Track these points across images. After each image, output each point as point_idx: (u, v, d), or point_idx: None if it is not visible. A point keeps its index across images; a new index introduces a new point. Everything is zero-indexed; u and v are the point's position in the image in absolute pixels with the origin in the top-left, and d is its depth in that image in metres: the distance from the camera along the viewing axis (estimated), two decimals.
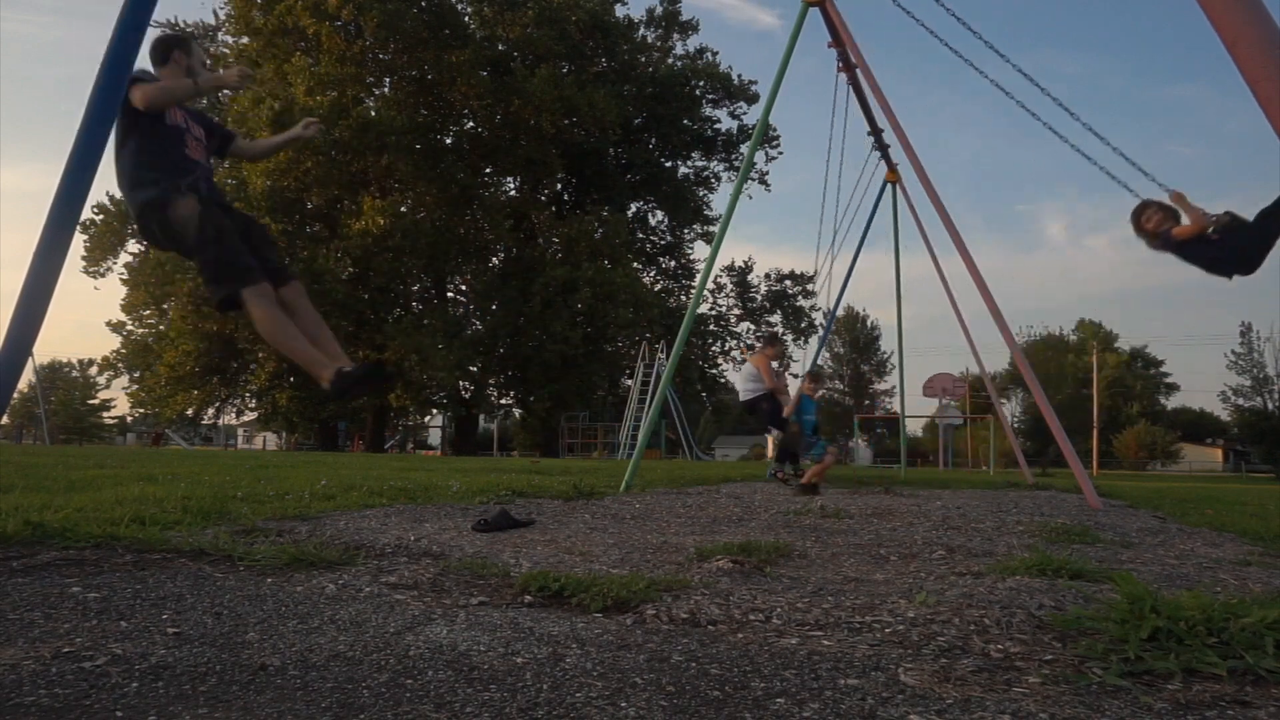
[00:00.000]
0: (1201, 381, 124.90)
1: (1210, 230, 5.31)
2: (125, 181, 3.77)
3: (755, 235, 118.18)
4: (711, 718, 1.50)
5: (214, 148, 4.10)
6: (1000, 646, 1.99)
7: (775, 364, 10.04)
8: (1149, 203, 5.61)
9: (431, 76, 34.32)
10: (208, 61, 4.10)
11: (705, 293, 28.90)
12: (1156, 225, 5.48)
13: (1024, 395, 58.06)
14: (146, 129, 3.68)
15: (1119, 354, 67.74)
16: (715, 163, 43.35)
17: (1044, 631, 2.14)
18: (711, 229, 40.93)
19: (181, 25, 37.53)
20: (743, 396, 9.63)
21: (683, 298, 42.25)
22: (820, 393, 9.61)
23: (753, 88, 40.80)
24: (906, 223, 35.71)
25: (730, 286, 43.68)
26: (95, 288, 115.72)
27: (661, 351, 30.35)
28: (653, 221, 44.23)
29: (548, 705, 1.53)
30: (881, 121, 11.52)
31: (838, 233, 13.74)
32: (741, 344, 42.84)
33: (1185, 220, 5.40)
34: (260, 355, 33.77)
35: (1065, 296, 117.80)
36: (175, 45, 3.96)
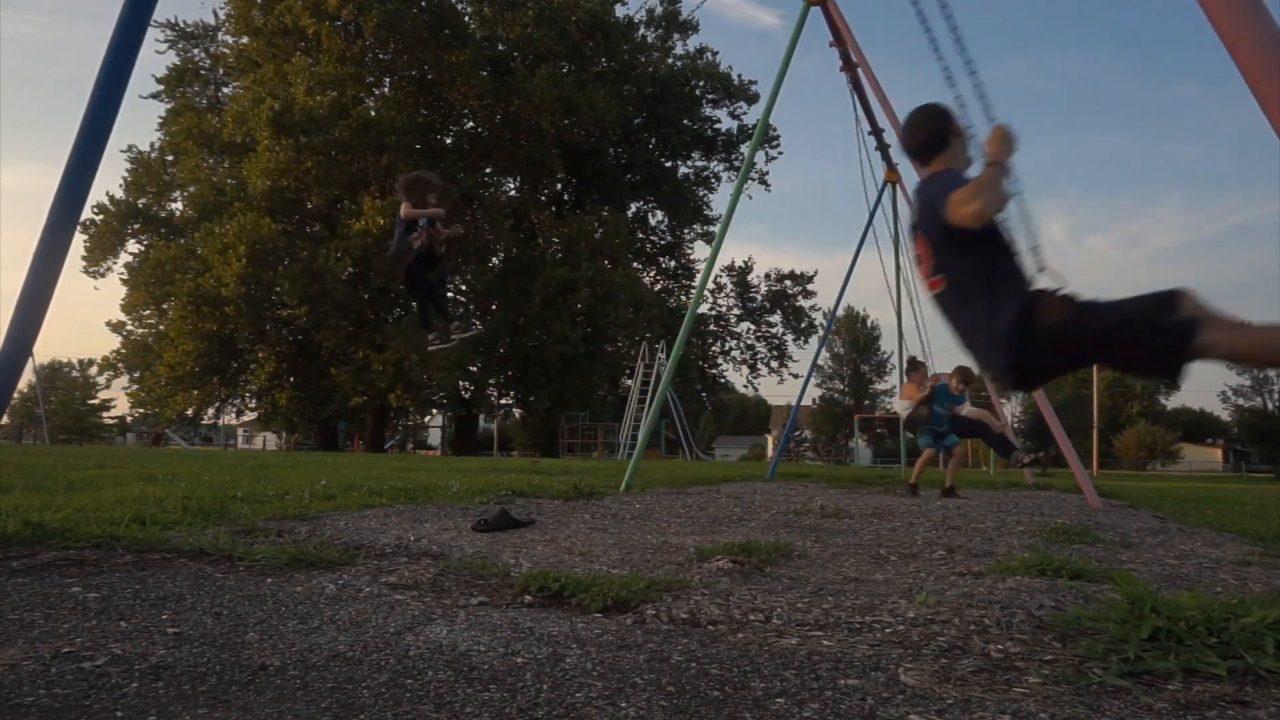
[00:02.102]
0: (1202, 381, 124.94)
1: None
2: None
3: (755, 235, 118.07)
4: (711, 718, 1.50)
5: None
6: (1000, 646, 1.99)
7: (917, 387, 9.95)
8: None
9: (431, 76, 34.30)
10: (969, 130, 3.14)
11: (705, 293, 28.89)
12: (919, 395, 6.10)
13: (1024, 395, 58.00)
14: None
15: None
16: (715, 163, 43.35)
17: (1044, 631, 2.14)
18: (711, 229, 40.92)
19: (181, 25, 37.57)
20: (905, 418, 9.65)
21: (683, 298, 42.24)
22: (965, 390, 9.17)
23: (753, 88, 40.81)
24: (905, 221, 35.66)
25: (730, 286, 43.69)
26: (95, 288, 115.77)
27: (661, 351, 30.34)
28: (653, 221, 44.24)
29: (548, 705, 1.53)
30: (882, 121, 11.52)
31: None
32: (742, 344, 42.85)
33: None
34: (260, 355, 33.78)
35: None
36: (950, 123, 3.05)
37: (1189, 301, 2.51)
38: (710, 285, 40.42)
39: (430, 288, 6.49)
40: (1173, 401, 71.69)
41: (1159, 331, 2.51)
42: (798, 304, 42.66)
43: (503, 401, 42.96)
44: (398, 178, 6.36)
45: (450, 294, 38.83)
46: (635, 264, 41.02)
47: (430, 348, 6.93)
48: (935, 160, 3.02)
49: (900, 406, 9.65)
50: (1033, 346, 2.65)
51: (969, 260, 2.79)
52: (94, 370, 57.17)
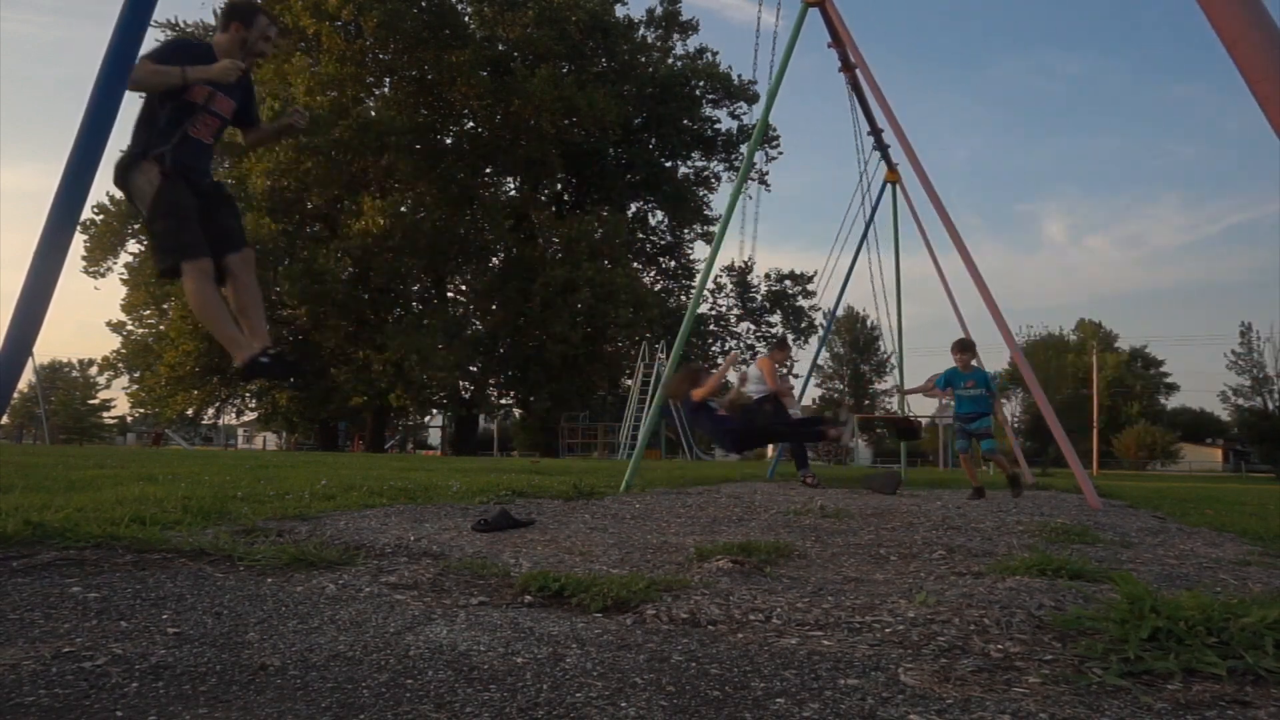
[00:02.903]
0: (1201, 381, 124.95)
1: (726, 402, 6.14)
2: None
3: (755, 235, 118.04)
4: (711, 718, 1.50)
5: (242, 124, 4.18)
6: (1000, 646, 1.99)
7: (781, 368, 9.93)
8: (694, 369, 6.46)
9: (431, 76, 34.31)
10: (271, 35, 4.07)
11: (705, 293, 28.89)
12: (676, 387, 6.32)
13: (1024, 395, 58.04)
14: (162, 94, 3.73)
15: (1119, 354, 67.72)
16: (715, 163, 43.38)
17: (1044, 631, 2.14)
18: (711, 229, 40.92)
19: (182, 25, 37.57)
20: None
21: (683, 298, 42.24)
22: (973, 362, 8.72)
23: (753, 88, 40.82)
24: (906, 222, 35.70)
25: (730, 286, 43.69)
26: (95, 288, 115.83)
27: (661, 351, 30.34)
28: (653, 221, 44.25)
29: (548, 705, 1.53)
30: (882, 121, 11.53)
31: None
32: (742, 344, 42.84)
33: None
34: None
35: (1065, 296, 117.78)
36: (236, 15, 3.93)
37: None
38: (710, 285, 40.44)
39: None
40: (1173, 401, 71.80)
41: None
42: (798, 304, 42.71)
43: (503, 401, 43.00)
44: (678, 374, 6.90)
45: (451, 294, 38.16)
46: (635, 264, 41.02)
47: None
48: (220, 35, 3.98)
49: (750, 378, 9.37)
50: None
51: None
52: (94, 370, 57.21)
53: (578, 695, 1.59)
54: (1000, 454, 9.00)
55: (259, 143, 4.88)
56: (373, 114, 32.72)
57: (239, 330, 3.92)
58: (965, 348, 8.67)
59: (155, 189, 3.77)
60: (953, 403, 8.66)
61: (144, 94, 3.78)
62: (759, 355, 9.49)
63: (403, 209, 33.73)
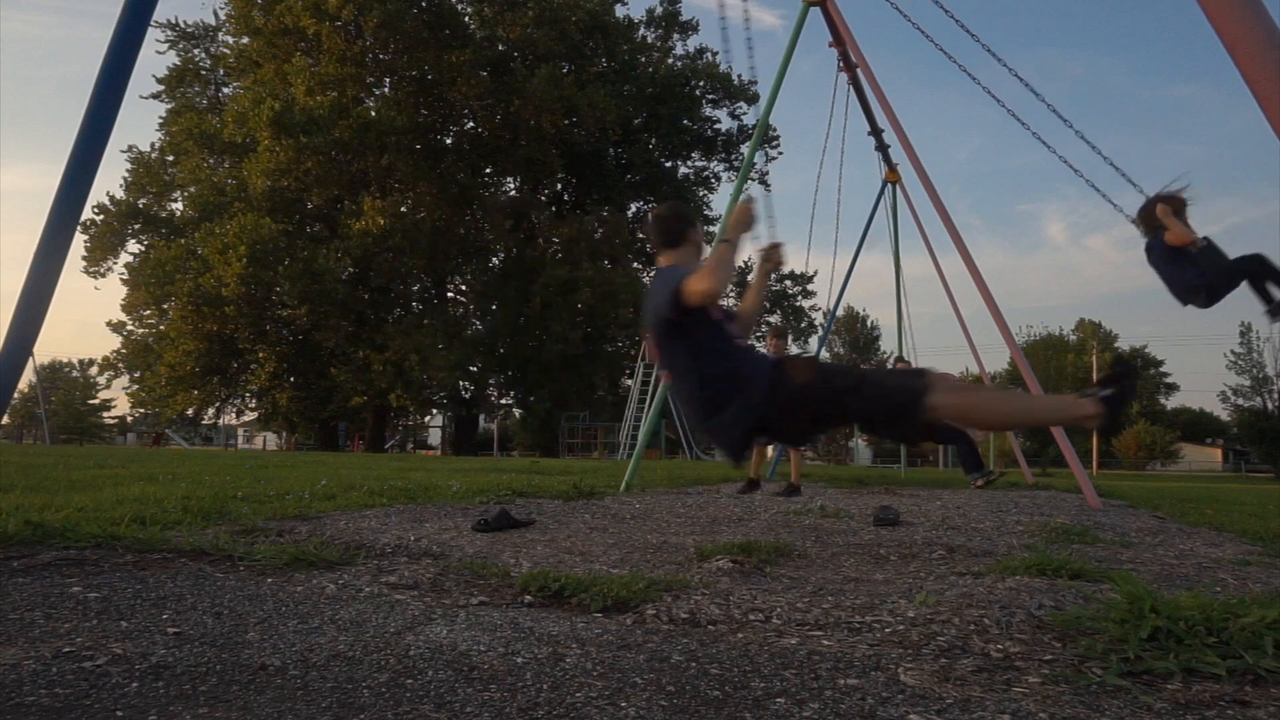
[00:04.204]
0: (1201, 381, 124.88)
1: (1193, 248, 5.33)
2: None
3: (755, 235, 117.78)
4: (711, 718, 1.50)
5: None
6: (1000, 646, 1.99)
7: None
8: (1167, 196, 5.54)
9: (431, 76, 34.29)
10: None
11: None
12: (1161, 218, 5.43)
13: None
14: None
15: (1119, 354, 67.71)
16: (715, 163, 43.34)
17: (1044, 631, 2.14)
18: (711, 229, 40.90)
19: (182, 25, 37.57)
20: None
21: None
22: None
23: (753, 88, 40.76)
24: (906, 222, 35.70)
25: (730, 287, 43.63)
26: (95, 288, 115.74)
27: None
28: None
29: (548, 705, 1.53)
30: (882, 121, 11.53)
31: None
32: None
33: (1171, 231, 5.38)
34: (260, 355, 33.79)
35: (1065, 296, 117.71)
36: (689, 225, 3.31)
37: (929, 373, 2.80)
38: None
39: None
40: (1172, 401, 71.75)
41: (893, 391, 2.77)
42: (798, 304, 42.70)
43: (503, 401, 42.97)
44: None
45: (451, 294, 38.04)
46: (635, 264, 41.00)
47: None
48: (665, 254, 3.27)
49: None
50: (780, 409, 2.88)
51: (692, 348, 2.98)
52: (94, 370, 57.11)
53: (578, 695, 1.59)
54: (796, 453, 8.60)
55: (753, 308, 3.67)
56: (373, 114, 32.69)
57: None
58: (779, 334, 8.65)
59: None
60: None
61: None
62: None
63: (403, 209, 33.72)
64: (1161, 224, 5.33)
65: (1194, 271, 5.40)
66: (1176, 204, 5.41)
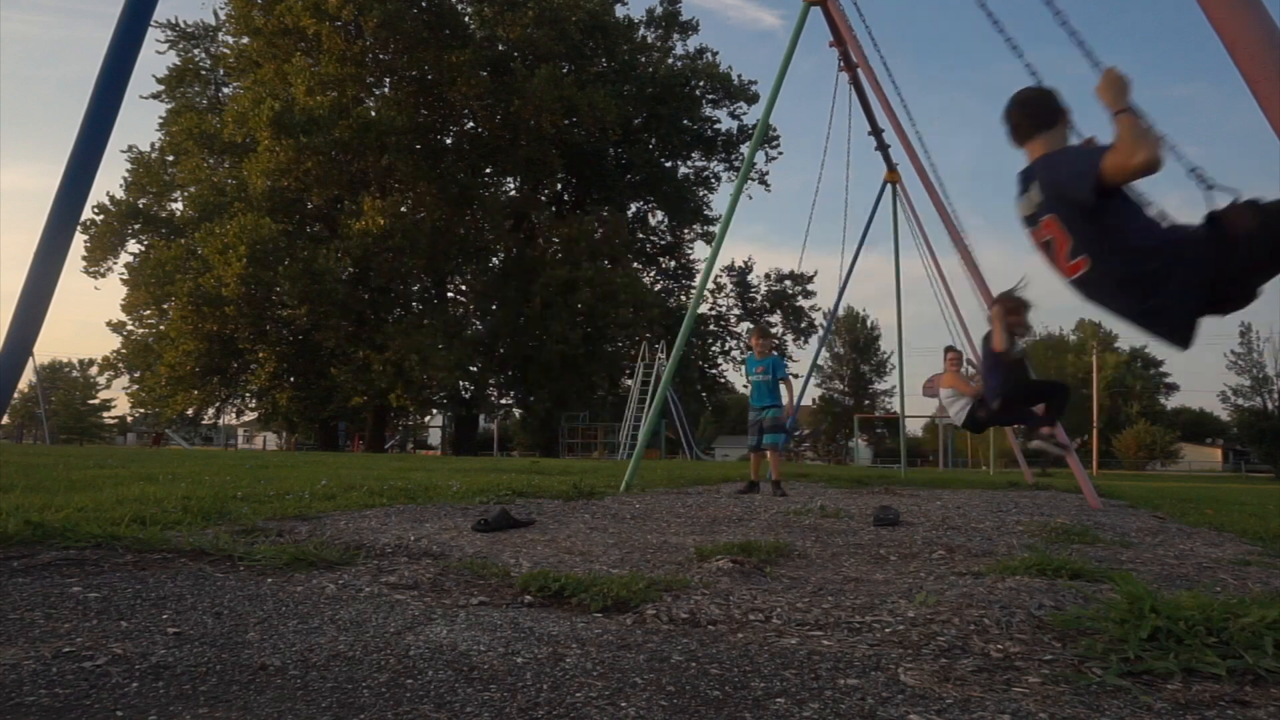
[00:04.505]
0: (1201, 381, 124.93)
1: (1005, 357, 5.45)
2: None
3: (755, 235, 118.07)
4: (711, 718, 1.50)
5: None
6: (1000, 646, 1.99)
7: (960, 369, 8.15)
8: (1004, 297, 5.51)
9: (431, 76, 34.30)
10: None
11: (705, 293, 28.88)
12: (991, 320, 5.47)
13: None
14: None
15: (1119, 354, 67.69)
16: (715, 163, 43.36)
17: (1044, 631, 2.14)
18: (711, 229, 40.91)
19: (182, 25, 37.57)
20: (958, 422, 7.34)
21: (683, 298, 42.23)
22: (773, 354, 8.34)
23: (753, 88, 40.80)
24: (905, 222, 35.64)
25: (730, 286, 43.67)
26: (95, 288, 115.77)
27: (661, 351, 30.33)
28: (653, 221, 44.23)
29: (548, 705, 1.53)
30: (882, 121, 11.53)
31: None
32: (742, 344, 42.80)
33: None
34: (260, 355, 33.78)
35: (1065, 296, 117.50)
36: (1060, 104, 3.01)
37: None
38: (710, 285, 40.42)
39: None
40: (1172, 401, 71.78)
41: None
42: (798, 304, 42.69)
43: (503, 401, 42.98)
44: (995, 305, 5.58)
45: (451, 294, 38.16)
46: (635, 264, 41.01)
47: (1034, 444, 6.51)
48: (1039, 139, 2.92)
49: (947, 397, 7.56)
50: (1236, 265, 2.55)
51: (1115, 226, 2.65)
52: (94, 370, 57.10)
53: (578, 695, 1.59)
54: (781, 450, 8.46)
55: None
56: (373, 114, 32.69)
57: None
58: (763, 334, 8.60)
59: None
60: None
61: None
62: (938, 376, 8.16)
63: (403, 209, 33.73)
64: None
65: (997, 381, 5.49)
66: (1010, 304, 5.38)
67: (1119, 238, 2.68)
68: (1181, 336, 2.69)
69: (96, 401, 68.26)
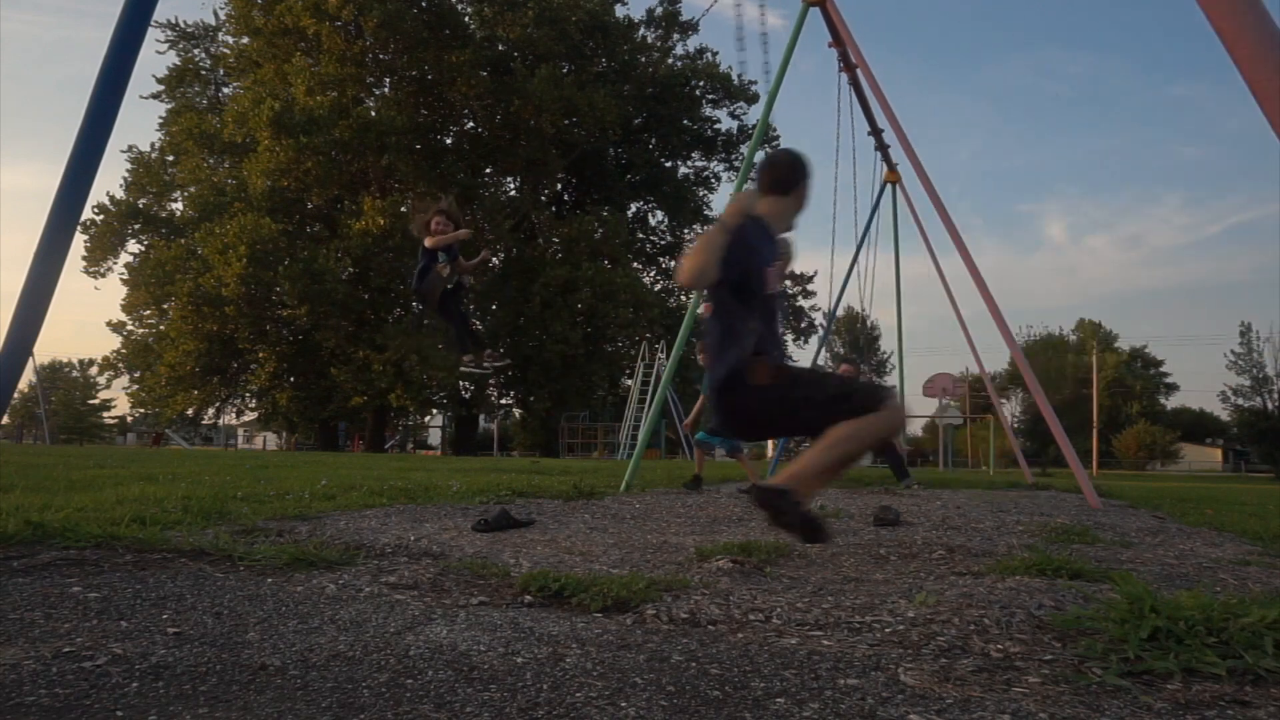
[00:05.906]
0: (1201, 381, 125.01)
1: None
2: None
3: None
4: (711, 718, 1.50)
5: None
6: (1000, 646, 1.99)
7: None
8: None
9: (431, 76, 34.29)
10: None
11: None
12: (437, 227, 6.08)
13: (1024, 395, 57.99)
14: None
15: (1119, 354, 67.68)
16: (715, 163, 43.38)
17: (1044, 631, 2.14)
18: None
19: (182, 25, 37.57)
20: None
21: (683, 298, 42.21)
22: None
23: (753, 88, 40.80)
24: (906, 222, 35.70)
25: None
26: (95, 288, 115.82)
27: (661, 351, 30.33)
28: (653, 221, 44.25)
29: (548, 705, 1.53)
30: (881, 121, 11.53)
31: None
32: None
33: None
34: (260, 355, 33.78)
35: (1065, 296, 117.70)
36: (806, 176, 3.27)
37: (888, 392, 2.84)
38: None
39: (463, 316, 6.69)
40: (1172, 401, 71.75)
41: (844, 401, 2.79)
42: (798, 304, 42.69)
43: (503, 401, 42.97)
44: (414, 213, 6.60)
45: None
46: (635, 264, 40.99)
47: (462, 368, 6.99)
48: (769, 199, 3.24)
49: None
50: (736, 401, 2.98)
51: (717, 303, 3.05)
52: (94, 370, 57.09)
53: (578, 695, 1.59)
54: (709, 449, 8.36)
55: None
56: (373, 114, 32.69)
57: None
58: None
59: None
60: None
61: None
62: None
63: (403, 209, 33.72)
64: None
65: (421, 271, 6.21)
66: (435, 210, 6.20)
67: (714, 312, 3.10)
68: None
69: (96, 401, 68.27)
